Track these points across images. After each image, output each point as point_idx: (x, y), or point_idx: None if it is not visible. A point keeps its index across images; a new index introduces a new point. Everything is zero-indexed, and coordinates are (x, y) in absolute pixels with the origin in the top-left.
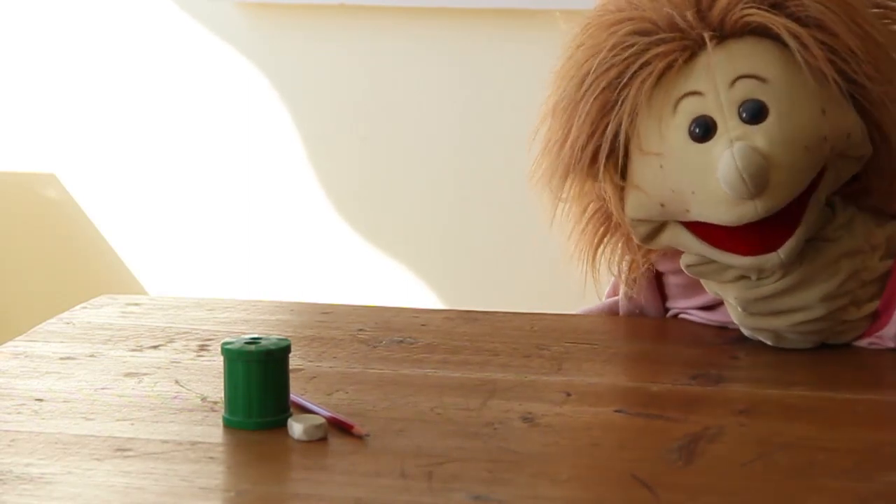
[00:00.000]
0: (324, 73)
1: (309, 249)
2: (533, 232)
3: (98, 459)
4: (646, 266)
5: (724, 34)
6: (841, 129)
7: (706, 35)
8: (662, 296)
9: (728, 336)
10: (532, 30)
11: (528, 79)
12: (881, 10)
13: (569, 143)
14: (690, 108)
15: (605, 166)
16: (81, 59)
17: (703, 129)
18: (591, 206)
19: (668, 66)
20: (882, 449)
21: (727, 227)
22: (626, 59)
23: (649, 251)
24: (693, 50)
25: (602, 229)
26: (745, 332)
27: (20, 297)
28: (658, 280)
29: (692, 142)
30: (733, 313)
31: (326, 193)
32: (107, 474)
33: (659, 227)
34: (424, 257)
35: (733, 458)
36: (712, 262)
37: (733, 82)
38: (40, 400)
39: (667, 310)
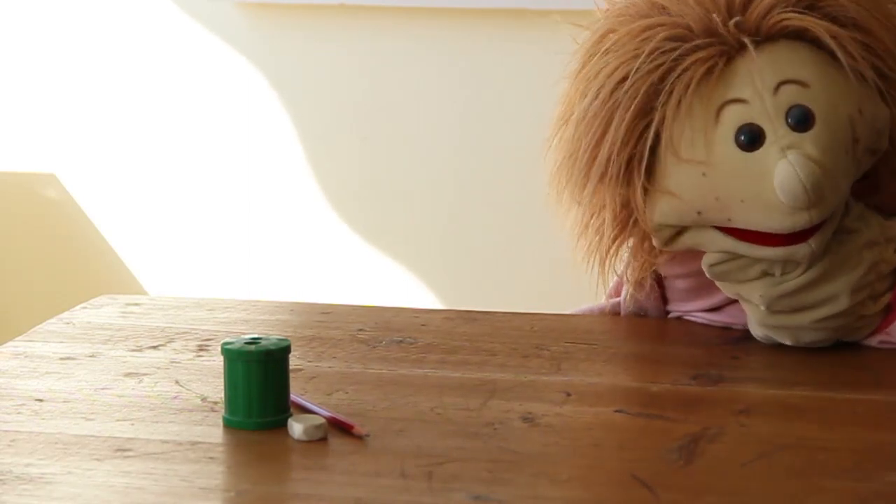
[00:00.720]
0: (324, 73)
1: (309, 249)
2: (533, 232)
3: (98, 459)
4: (652, 269)
5: (760, 38)
6: (873, 127)
7: (748, 40)
8: (663, 299)
9: (728, 336)
10: (532, 30)
11: (528, 79)
12: None
13: (604, 150)
14: (735, 116)
15: (636, 172)
16: (81, 59)
17: (751, 138)
18: (604, 209)
19: (708, 72)
20: (882, 449)
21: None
22: (663, 64)
23: (656, 254)
24: (730, 55)
25: (615, 233)
26: (760, 333)
27: (20, 297)
28: (659, 283)
29: (739, 150)
30: (754, 314)
31: (326, 193)
32: (107, 474)
33: (682, 230)
34: (424, 257)
35: (733, 458)
36: (736, 259)
37: (777, 88)
38: (40, 400)
39: (667, 312)
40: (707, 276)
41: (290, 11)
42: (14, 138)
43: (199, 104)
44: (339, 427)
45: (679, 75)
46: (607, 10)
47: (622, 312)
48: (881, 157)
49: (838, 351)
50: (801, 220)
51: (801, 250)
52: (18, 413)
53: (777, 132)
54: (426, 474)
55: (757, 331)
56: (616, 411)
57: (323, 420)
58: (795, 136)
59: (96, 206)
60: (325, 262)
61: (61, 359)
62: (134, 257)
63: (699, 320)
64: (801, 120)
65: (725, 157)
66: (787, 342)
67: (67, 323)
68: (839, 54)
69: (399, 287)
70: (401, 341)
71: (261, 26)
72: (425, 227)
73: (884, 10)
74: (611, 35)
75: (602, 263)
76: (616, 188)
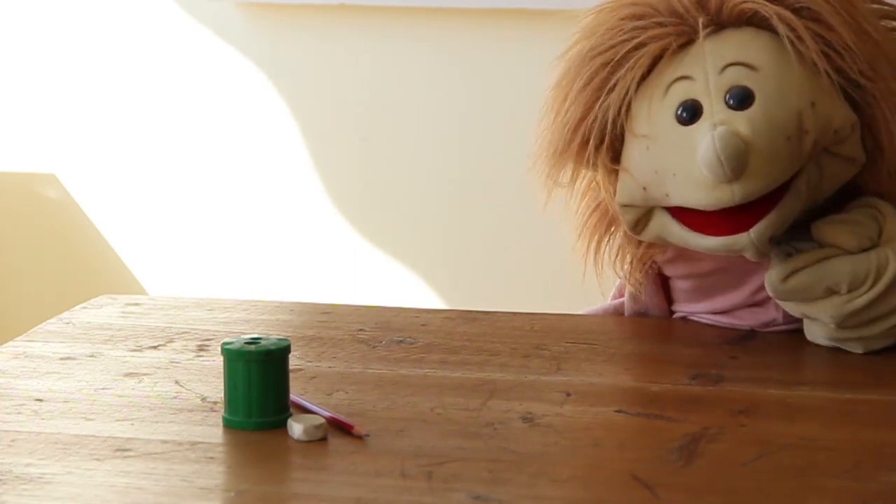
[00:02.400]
0: (324, 73)
1: (309, 249)
2: (533, 232)
3: (98, 459)
4: (648, 265)
5: (722, 23)
6: (828, 124)
7: (701, 21)
8: (668, 299)
9: (728, 336)
10: (532, 30)
11: (528, 79)
12: (879, 7)
13: (559, 122)
14: (680, 92)
15: (596, 150)
16: (82, 60)
17: (690, 113)
18: (590, 198)
19: (663, 50)
20: (882, 449)
21: (703, 213)
22: (621, 41)
23: (649, 248)
24: (689, 36)
25: (605, 224)
26: (825, 343)
27: (20, 297)
28: (664, 283)
29: (678, 125)
30: (821, 331)
31: (327, 193)
32: (107, 474)
33: (646, 216)
34: (424, 257)
35: (733, 458)
36: (802, 271)
37: (723, 69)
38: (40, 400)
39: (672, 312)
40: (774, 296)
41: (290, 11)
42: (14, 138)
43: (200, 104)
44: (339, 427)
45: (633, 50)
46: None
47: (626, 313)
48: (864, 168)
49: (838, 351)
50: (724, 196)
51: (741, 241)
52: (18, 413)
53: (713, 108)
54: (426, 474)
55: (821, 340)
56: (616, 411)
57: (323, 420)
58: (731, 113)
59: (96, 206)
60: (326, 262)
61: (61, 359)
62: (134, 257)
63: (704, 320)
64: (740, 100)
65: (665, 130)
66: (858, 350)
67: (67, 323)
68: (786, 40)
69: (399, 287)
70: (401, 341)
71: (261, 26)
72: (425, 227)
73: (849, 9)
74: (594, 13)
75: (595, 255)
76: (590, 172)
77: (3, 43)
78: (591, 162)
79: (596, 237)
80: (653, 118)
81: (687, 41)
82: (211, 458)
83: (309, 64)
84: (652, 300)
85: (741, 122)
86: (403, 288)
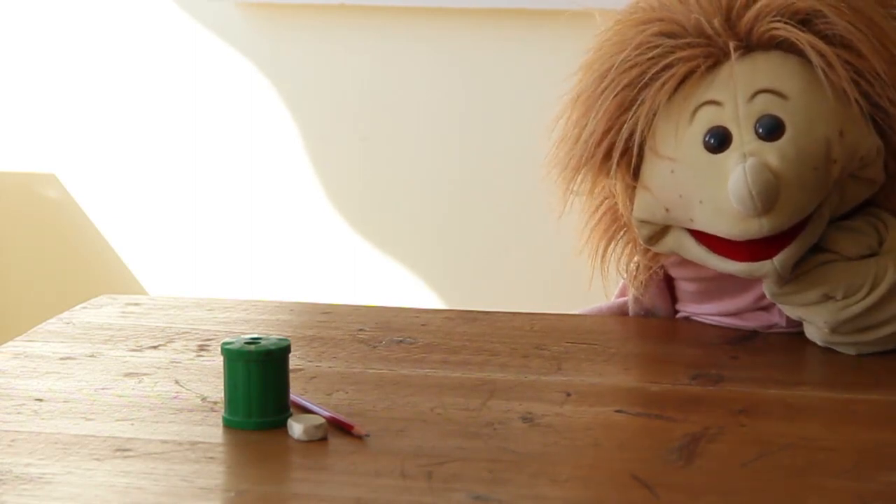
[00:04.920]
0: (324, 73)
1: (309, 249)
2: (533, 232)
3: (98, 459)
4: (654, 269)
5: (751, 46)
6: (855, 153)
7: (732, 45)
8: (673, 298)
9: (728, 336)
10: (532, 30)
11: (528, 79)
12: None
13: (584, 136)
14: (707, 118)
15: (617, 164)
16: (82, 60)
17: (719, 140)
18: (604, 203)
19: (691, 72)
20: (882, 449)
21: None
22: (649, 59)
23: (657, 254)
24: (717, 58)
25: (613, 227)
26: (821, 344)
27: (20, 297)
28: (669, 283)
29: (706, 151)
30: (816, 333)
31: (327, 193)
32: (107, 474)
33: (662, 231)
34: (424, 257)
35: (733, 458)
36: (800, 274)
37: (753, 96)
38: (40, 400)
39: (676, 312)
40: (770, 298)
41: (290, 11)
42: (14, 138)
43: (200, 104)
44: (339, 427)
45: (661, 70)
46: (628, 4)
47: (630, 313)
48: (882, 188)
49: (838, 351)
50: (752, 228)
51: (764, 267)
52: (18, 413)
53: (743, 138)
54: (426, 474)
55: (818, 342)
56: (616, 411)
57: (323, 420)
58: (759, 143)
59: (96, 206)
60: (326, 262)
61: (61, 359)
62: (134, 257)
63: (709, 321)
64: (770, 129)
65: (692, 156)
66: (851, 353)
67: (67, 323)
68: (819, 69)
69: (399, 287)
70: (401, 341)
71: (261, 26)
72: (426, 227)
73: (880, 36)
74: (617, 26)
75: (601, 258)
76: (604, 179)
77: (3, 43)
78: (611, 174)
79: (604, 241)
80: (679, 142)
81: (714, 63)
82: (211, 458)
83: (309, 64)
84: (656, 301)
85: (772, 154)
86: (403, 288)
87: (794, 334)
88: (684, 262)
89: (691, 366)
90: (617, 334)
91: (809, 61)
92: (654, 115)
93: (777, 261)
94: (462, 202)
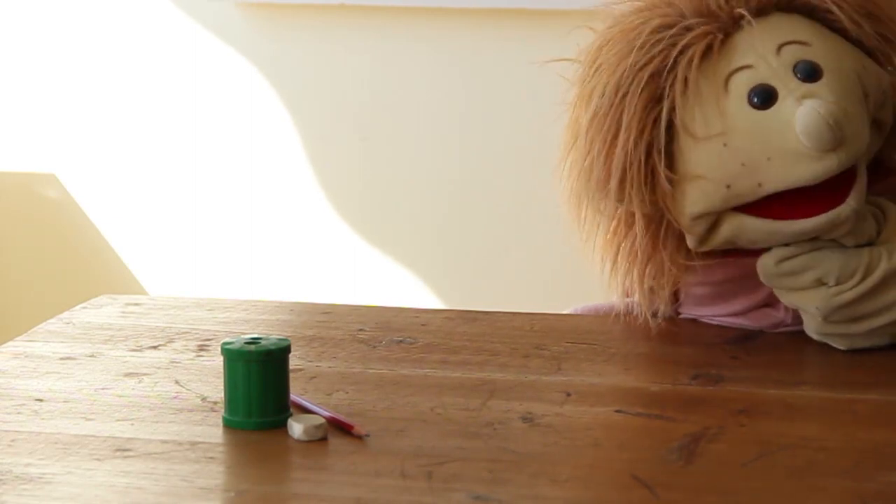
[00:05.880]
0: (324, 74)
1: (309, 249)
2: (533, 232)
3: (98, 459)
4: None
5: (753, 13)
6: (879, 84)
7: (743, 11)
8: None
9: (728, 336)
10: (532, 30)
11: (528, 79)
12: None
13: (619, 144)
14: (744, 82)
15: (658, 159)
16: (81, 60)
17: (765, 96)
18: (633, 226)
19: (708, 47)
20: (882, 449)
21: (788, 201)
22: (662, 49)
23: (687, 267)
24: (727, 30)
25: (648, 249)
26: (816, 337)
27: (20, 297)
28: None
29: (755, 110)
30: (810, 322)
31: (327, 194)
32: (107, 474)
33: (715, 223)
34: (424, 257)
35: (733, 458)
36: (797, 257)
37: (779, 49)
38: (40, 400)
39: (678, 314)
40: (765, 280)
41: (290, 11)
42: (14, 138)
43: (200, 104)
44: (339, 427)
45: (680, 54)
46: (602, 30)
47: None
48: (886, 139)
49: (838, 351)
50: (831, 164)
51: (843, 213)
52: (18, 413)
53: (788, 86)
54: (426, 474)
55: (813, 335)
56: (616, 411)
57: (323, 420)
58: (808, 86)
59: (96, 206)
60: (326, 262)
61: (61, 359)
62: (134, 257)
63: (714, 322)
64: (809, 73)
65: (742, 120)
66: (842, 347)
67: (67, 323)
68: (838, 13)
69: (399, 287)
70: (401, 341)
71: (261, 26)
72: (426, 228)
73: None
74: (610, 36)
75: (640, 282)
76: (640, 190)
77: (3, 43)
78: (648, 179)
79: (639, 262)
80: (723, 113)
81: (726, 36)
82: (211, 458)
83: (309, 64)
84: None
85: (822, 91)
86: (403, 288)
87: (794, 334)
88: (698, 269)
89: (691, 366)
90: (617, 334)
91: (808, 17)
92: (685, 95)
93: (852, 199)
94: (462, 202)
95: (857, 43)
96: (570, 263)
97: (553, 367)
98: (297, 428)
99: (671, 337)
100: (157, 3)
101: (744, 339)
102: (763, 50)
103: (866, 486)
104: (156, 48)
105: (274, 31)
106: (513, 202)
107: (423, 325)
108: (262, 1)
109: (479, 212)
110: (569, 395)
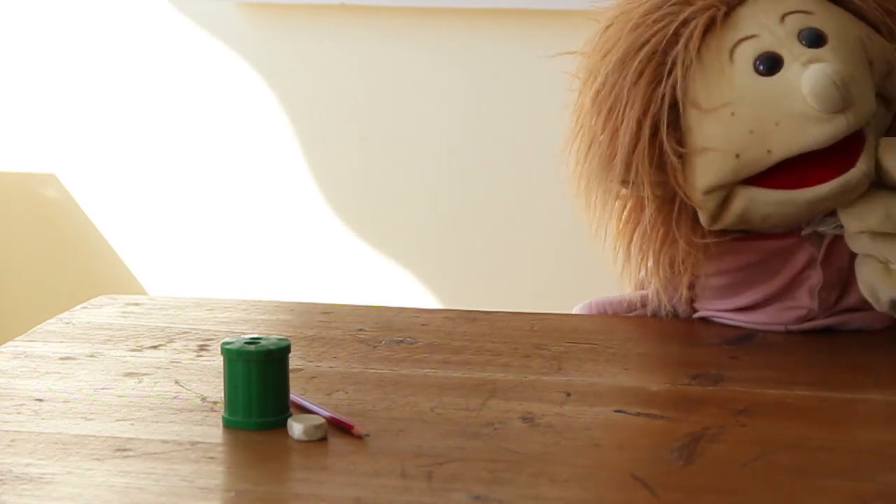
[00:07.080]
0: (324, 74)
1: (309, 249)
2: (533, 232)
3: (98, 459)
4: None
5: None
6: (882, 54)
7: None
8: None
9: (728, 336)
10: (532, 30)
11: (528, 79)
12: None
13: (628, 120)
14: (748, 51)
15: (666, 133)
16: (81, 60)
17: (770, 63)
18: (644, 209)
19: (712, 20)
20: (882, 449)
21: (799, 170)
22: (665, 25)
23: (704, 247)
24: (729, 4)
25: (662, 227)
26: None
27: (20, 297)
28: (688, 285)
29: (761, 78)
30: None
31: (326, 194)
32: (107, 474)
33: (727, 198)
34: (425, 257)
35: (733, 458)
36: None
37: (782, 18)
38: (40, 400)
39: (694, 311)
40: (860, 248)
41: (290, 11)
42: (14, 138)
43: (199, 104)
44: (339, 427)
45: (682, 26)
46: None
47: (649, 308)
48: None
49: (838, 351)
50: (839, 126)
51: (854, 176)
52: (18, 413)
53: (794, 52)
54: (426, 474)
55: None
56: (616, 411)
57: (323, 420)
58: (813, 51)
59: (96, 206)
60: (326, 262)
61: (61, 359)
62: (134, 257)
63: (727, 322)
64: (813, 39)
65: (749, 88)
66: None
67: (67, 323)
68: None
69: (399, 287)
70: (401, 341)
71: (261, 26)
72: (425, 227)
73: None
74: (613, 18)
75: (657, 269)
76: (648, 168)
77: (3, 43)
78: (657, 156)
79: (656, 239)
80: (730, 83)
81: (728, 10)
82: (211, 458)
83: (308, 64)
84: (680, 303)
85: (827, 55)
86: (403, 288)
87: (794, 333)
88: (714, 257)
89: (691, 366)
90: (617, 334)
91: None
92: (690, 68)
93: (862, 163)
94: (462, 202)
95: (860, 17)
96: (571, 263)
97: (553, 367)
98: (297, 428)
99: (671, 337)
100: (156, 3)
101: (744, 339)
102: (766, 20)
103: (866, 486)
104: (155, 48)
105: (274, 31)
106: (513, 202)
107: (423, 325)
108: (262, 1)
109: (479, 212)
110: (569, 395)
